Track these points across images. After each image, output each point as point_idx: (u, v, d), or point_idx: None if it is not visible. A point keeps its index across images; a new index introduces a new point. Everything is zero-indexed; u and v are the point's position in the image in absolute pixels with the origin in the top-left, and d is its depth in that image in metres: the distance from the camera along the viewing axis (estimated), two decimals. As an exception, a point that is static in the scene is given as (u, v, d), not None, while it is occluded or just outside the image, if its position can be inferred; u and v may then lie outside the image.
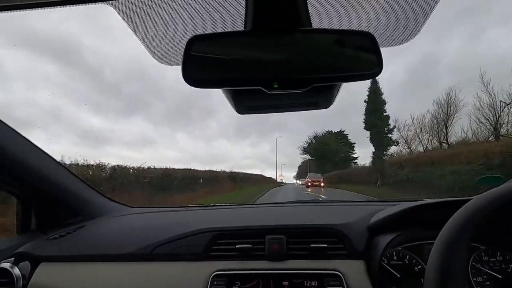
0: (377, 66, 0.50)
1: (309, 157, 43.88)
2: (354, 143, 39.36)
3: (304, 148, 44.40)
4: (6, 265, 0.87)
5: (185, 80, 0.50)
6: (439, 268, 0.44)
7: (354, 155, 39.53)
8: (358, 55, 0.52)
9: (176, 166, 12.77)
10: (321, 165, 38.27)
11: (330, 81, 0.52)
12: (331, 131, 41.91)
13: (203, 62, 0.52)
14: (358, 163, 36.14)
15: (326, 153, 39.18)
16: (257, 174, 27.65)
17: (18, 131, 0.93)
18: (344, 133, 40.60)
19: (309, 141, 43.65)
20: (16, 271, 0.87)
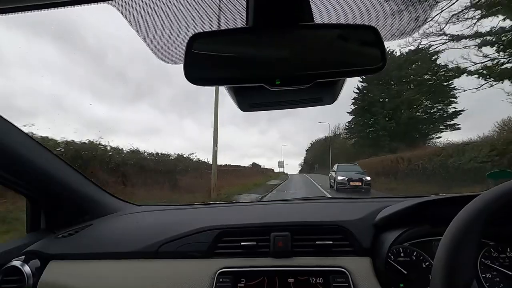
0: (380, 60, 0.49)
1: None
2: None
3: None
4: (16, 263, 0.89)
5: (187, 78, 0.50)
6: (446, 264, 0.43)
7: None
8: (361, 49, 0.51)
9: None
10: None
11: (333, 76, 0.52)
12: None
13: (205, 60, 0.52)
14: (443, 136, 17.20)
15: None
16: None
17: (27, 132, 0.95)
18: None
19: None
20: (27, 269, 0.88)
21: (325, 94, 0.62)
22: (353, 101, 25.14)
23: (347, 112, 26.35)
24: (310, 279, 0.79)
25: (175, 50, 0.60)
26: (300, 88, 0.52)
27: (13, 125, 0.90)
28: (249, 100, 0.64)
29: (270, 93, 0.57)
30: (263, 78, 0.50)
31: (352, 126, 26.46)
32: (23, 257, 0.92)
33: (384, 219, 0.86)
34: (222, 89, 0.59)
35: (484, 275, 0.76)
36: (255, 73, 0.51)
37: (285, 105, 0.68)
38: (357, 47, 0.52)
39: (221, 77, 0.52)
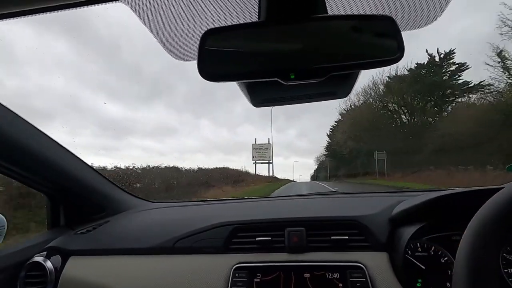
0: (398, 51, 0.48)
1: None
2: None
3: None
4: (39, 258, 0.92)
5: (201, 75, 0.50)
6: (468, 264, 0.41)
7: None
8: (377, 40, 0.50)
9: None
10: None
11: (349, 69, 0.50)
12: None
13: (218, 56, 0.51)
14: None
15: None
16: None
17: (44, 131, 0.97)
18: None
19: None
20: (49, 264, 0.91)
21: (339, 88, 0.61)
22: None
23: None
24: (327, 274, 0.78)
25: (189, 47, 0.60)
26: (314, 82, 0.51)
27: (29, 123, 0.92)
28: (262, 95, 0.63)
29: (282, 88, 0.56)
30: (278, 73, 0.49)
31: None
32: (45, 253, 0.95)
33: (400, 213, 0.85)
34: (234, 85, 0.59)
35: (506, 270, 0.73)
36: (269, 67, 0.50)
37: (298, 99, 0.67)
38: (373, 38, 0.50)
39: (235, 72, 0.52)
